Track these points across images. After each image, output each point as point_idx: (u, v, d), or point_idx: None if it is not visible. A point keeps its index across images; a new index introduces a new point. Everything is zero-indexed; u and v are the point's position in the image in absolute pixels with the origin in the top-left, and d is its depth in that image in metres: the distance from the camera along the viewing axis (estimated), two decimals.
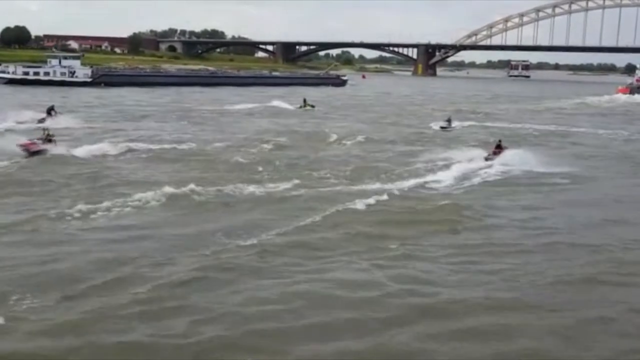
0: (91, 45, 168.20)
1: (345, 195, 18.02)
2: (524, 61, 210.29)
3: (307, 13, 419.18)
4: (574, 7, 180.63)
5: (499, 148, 27.10)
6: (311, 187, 19.52)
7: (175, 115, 43.24)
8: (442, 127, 39.26)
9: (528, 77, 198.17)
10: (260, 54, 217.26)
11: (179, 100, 58.42)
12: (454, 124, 40.69)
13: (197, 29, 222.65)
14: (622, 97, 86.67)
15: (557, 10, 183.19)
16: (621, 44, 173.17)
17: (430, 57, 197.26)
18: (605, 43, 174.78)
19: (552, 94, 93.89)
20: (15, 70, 69.40)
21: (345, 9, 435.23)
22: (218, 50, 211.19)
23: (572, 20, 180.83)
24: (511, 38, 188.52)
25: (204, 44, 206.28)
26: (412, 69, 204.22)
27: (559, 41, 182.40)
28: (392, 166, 23.89)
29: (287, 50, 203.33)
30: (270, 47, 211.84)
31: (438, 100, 74.31)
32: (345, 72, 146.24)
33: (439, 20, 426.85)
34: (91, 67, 76.94)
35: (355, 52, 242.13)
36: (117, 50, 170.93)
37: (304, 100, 53.79)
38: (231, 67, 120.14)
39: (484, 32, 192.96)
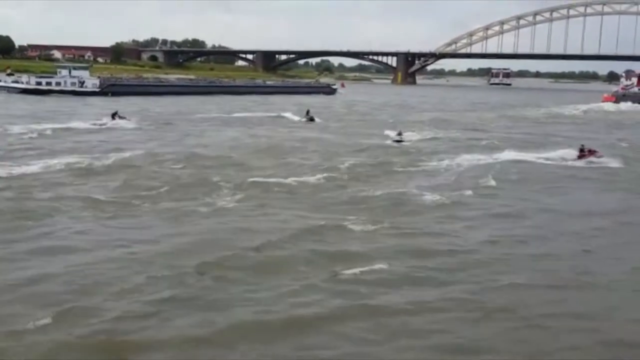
0: (74, 55, 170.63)
1: None
2: (504, 69, 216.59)
3: (287, 22, 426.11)
4: (555, 15, 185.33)
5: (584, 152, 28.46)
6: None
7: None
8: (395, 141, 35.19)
9: (509, 85, 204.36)
10: (241, 63, 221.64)
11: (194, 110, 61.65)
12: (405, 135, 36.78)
13: (179, 38, 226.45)
14: (609, 106, 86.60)
15: (538, 18, 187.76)
16: (603, 52, 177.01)
17: (410, 66, 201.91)
18: (587, 51, 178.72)
19: (535, 103, 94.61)
20: (29, 81, 72.69)
21: (325, 17, 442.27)
22: (199, 59, 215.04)
23: (553, 28, 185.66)
24: (492, 46, 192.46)
25: (185, 53, 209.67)
26: (391, 77, 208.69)
27: (540, 49, 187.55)
28: None
29: (267, 59, 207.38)
30: (250, 56, 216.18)
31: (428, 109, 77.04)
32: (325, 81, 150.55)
33: (419, 29, 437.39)
34: (99, 77, 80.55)
35: (335, 60, 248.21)
36: (100, 59, 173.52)
37: (307, 112, 50.11)
38: (227, 77, 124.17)
39: (464, 40, 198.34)
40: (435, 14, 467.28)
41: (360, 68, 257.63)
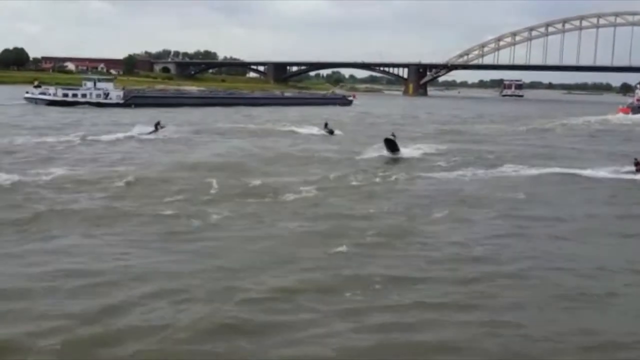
0: (88, 67, 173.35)
1: None
2: (517, 80, 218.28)
3: (298, 34, 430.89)
4: (567, 26, 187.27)
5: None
6: None
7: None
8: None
9: (521, 96, 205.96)
10: (252, 75, 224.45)
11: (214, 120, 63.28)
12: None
13: (190, 50, 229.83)
14: (625, 117, 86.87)
15: (550, 29, 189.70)
16: (616, 63, 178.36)
17: (421, 77, 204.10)
18: (600, 62, 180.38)
19: (552, 114, 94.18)
20: (56, 92, 74.60)
21: (336, 29, 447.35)
22: (210, 71, 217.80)
23: (565, 40, 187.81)
24: (503, 57, 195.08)
25: (197, 65, 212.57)
26: (402, 88, 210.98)
27: (553, 60, 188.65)
28: None
29: (278, 71, 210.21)
30: (261, 68, 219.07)
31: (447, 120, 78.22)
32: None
33: (430, 40, 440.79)
34: (123, 89, 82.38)
35: (346, 72, 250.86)
36: (113, 71, 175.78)
37: (326, 124, 47.44)
38: (245, 88, 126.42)
39: (476, 52, 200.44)
40: (447, 25, 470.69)
41: (371, 79, 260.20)
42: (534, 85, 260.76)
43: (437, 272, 13.32)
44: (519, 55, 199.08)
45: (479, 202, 21.06)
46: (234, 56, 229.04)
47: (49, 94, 74.48)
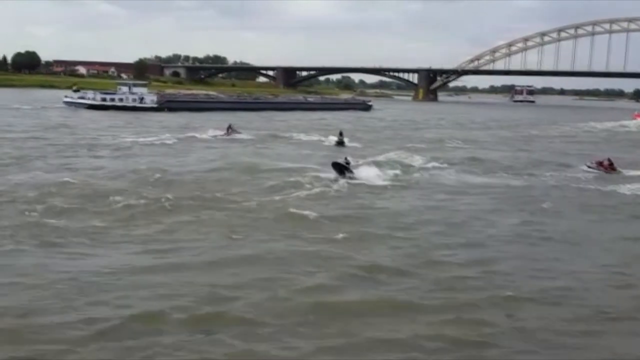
0: (98, 71, 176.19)
1: None
2: (528, 86, 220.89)
3: (308, 39, 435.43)
4: (580, 31, 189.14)
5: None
6: None
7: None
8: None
9: (533, 102, 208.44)
10: (262, 79, 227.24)
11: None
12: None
13: (200, 55, 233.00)
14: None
15: (563, 34, 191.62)
16: (629, 69, 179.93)
17: (432, 82, 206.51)
18: (613, 68, 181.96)
19: (567, 119, 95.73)
20: (95, 97, 77.46)
21: (346, 33, 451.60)
22: (220, 75, 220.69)
23: (578, 45, 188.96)
24: (515, 63, 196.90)
25: (207, 70, 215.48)
26: (412, 93, 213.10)
27: (565, 66, 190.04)
28: None
29: (288, 75, 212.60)
30: (271, 72, 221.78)
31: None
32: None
33: (441, 46, 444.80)
34: (158, 93, 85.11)
35: (356, 77, 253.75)
36: (124, 75, 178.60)
37: (340, 134, 43.64)
38: (269, 94, 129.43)
39: (487, 57, 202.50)
40: (458, 30, 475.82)
41: (380, 84, 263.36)
42: (546, 91, 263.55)
43: None
44: (531, 60, 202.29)
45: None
46: (244, 60, 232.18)
47: (88, 98, 77.15)
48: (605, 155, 34.61)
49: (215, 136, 42.99)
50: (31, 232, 16.11)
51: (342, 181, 25.10)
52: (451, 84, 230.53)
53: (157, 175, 24.95)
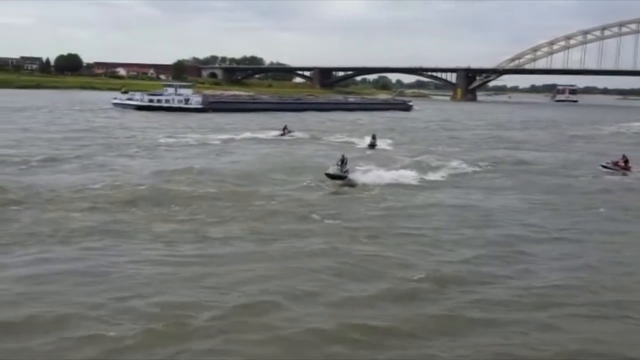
0: (138, 72, 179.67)
1: None
2: (570, 85, 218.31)
3: (343, 39, 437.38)
4: (624, 29, 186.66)
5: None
6: None
7: None
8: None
9: (575, 101, 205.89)
10: (298, 80, 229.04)
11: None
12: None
13: (237, 55, 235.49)
14: None
15: (606, 32, 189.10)
16: None
17: (470, 82, 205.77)
18: None
19: (610, 119, 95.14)
20: (142, 98, 79.79)
21: (383, 34, 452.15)
22: (257, 76, 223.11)
23: (622, 43, 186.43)
24: (557, 62, 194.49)
25: (243, 71, 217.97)
26: (450, 93, 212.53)
27: (608, 65, 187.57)
28: None
29: (324, 76, 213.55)
30: (307, 73, 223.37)
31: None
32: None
33: (480, 44, 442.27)
34: (202, 94, 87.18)
35: (393, 77, 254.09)
36: (162, 76, 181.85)
37: (373, 137, 42.31)
38: (308, 94, 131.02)
39: (528, 56, 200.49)
40: (496, 28, 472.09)
41: (418, 84, 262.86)
42: (588, 90, 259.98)
43: None
44: (573, 59, 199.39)
45: None
46: (280, 61, 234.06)
47: (137, 100, 79.43)
48: (620, 154, 34.67)
49: (274, 136, 44.58)
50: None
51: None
52: (491, 84, 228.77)
53: (232, 172, 26.20)
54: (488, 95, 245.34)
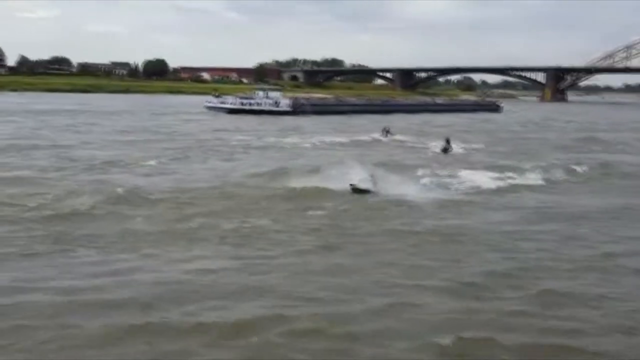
0: (221, 76, 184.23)
1: None
2: None
3: (425, 39, 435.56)
4: None
5: None
6: None
7: None
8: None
9: None
10: (378, 82, 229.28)
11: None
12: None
13: (318, 58, 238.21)
14: None
15: None
16: None
17: (559, 82, 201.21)
18: None
19: None
20: (234, 101, 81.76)
21: (466, 32, 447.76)
22: (337, 78, 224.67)
23: None
24: None
25: (324, 73, 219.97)
26: (538, 94, 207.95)
27: None
28: None
29: (406, 77, 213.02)
30: (388, 74, 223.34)
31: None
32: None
33: (568, 43, 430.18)
34: (295, 98, 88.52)
35: (477, 77, 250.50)
36: (244, 80, 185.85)
37: (447, 141, 39.27)
38: (392, 96, 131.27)
39: (621, 54, 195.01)
40: (586, 26, 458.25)
41: (504, 85, 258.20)
42: None
43: None
44: None
45: None
46: (360, 63, 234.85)
47: (229, 103, 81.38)
48: None
49: (374, 138, 44.79)
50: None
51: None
52: (582, 84, 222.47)
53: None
54: (578, 95, 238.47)
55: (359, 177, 22.13)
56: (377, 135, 45.65)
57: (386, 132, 45.86)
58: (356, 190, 21.27)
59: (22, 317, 10.46)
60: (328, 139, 43.84)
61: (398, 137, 45.56)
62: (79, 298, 11.37)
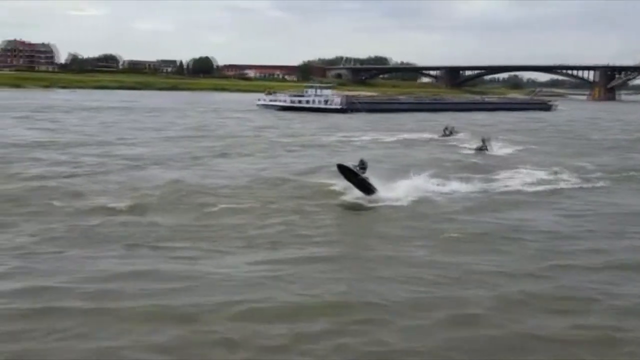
0: (265, 74, 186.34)
1: None
2: None
3: (473, 37, 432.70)
4: None
5: None
6: None
7: None
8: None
9: None
10: (424, 80, 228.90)
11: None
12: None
13: (362, 56, 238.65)
14: None
15: None
16: None
17: (610, 80, 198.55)
18: None
19: None
20: (286, 99, 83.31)
21: (514, 30, 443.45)
22: (382, 76, 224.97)
23: None
24: None
25: (368, 71, 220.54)
26: (587, 92, 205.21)
27: None
28: None
29: (452, 75, 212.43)
30: (433, 72, 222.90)
31: None
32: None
33: (619, 41, 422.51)
34: (346, 96, 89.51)
35: (524, 75, 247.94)
36: (288, 78, 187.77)
37: (483, 141, 37.97)
38: (411, 93, 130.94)
39: None
40: (637, 24, 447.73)
41: (552, 83, 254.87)
42: None
43: None
44: None
45: None
46: (405, 61, 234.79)
47: (281, 101, 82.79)
48: None
49: (434, 137, 45.21)
50: None
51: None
52: (633, 82, 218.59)
53: None
54: (628, 94, 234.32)
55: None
56: (435, 136, 45.80)
57: (449, 131, 46.06)
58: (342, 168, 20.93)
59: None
60: (394, 137, 44.80)
61: (460, 136, 45.35)
62: None
